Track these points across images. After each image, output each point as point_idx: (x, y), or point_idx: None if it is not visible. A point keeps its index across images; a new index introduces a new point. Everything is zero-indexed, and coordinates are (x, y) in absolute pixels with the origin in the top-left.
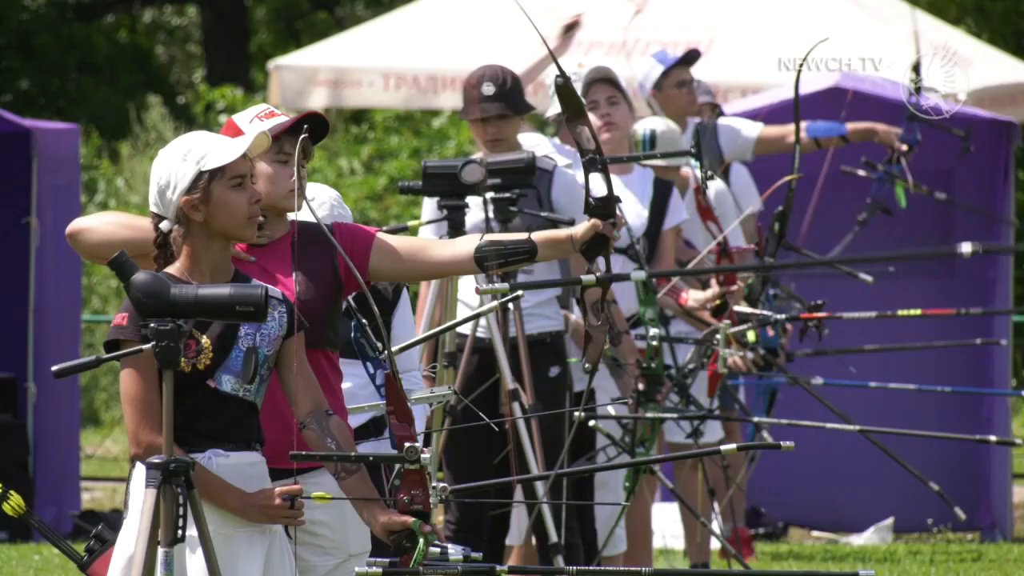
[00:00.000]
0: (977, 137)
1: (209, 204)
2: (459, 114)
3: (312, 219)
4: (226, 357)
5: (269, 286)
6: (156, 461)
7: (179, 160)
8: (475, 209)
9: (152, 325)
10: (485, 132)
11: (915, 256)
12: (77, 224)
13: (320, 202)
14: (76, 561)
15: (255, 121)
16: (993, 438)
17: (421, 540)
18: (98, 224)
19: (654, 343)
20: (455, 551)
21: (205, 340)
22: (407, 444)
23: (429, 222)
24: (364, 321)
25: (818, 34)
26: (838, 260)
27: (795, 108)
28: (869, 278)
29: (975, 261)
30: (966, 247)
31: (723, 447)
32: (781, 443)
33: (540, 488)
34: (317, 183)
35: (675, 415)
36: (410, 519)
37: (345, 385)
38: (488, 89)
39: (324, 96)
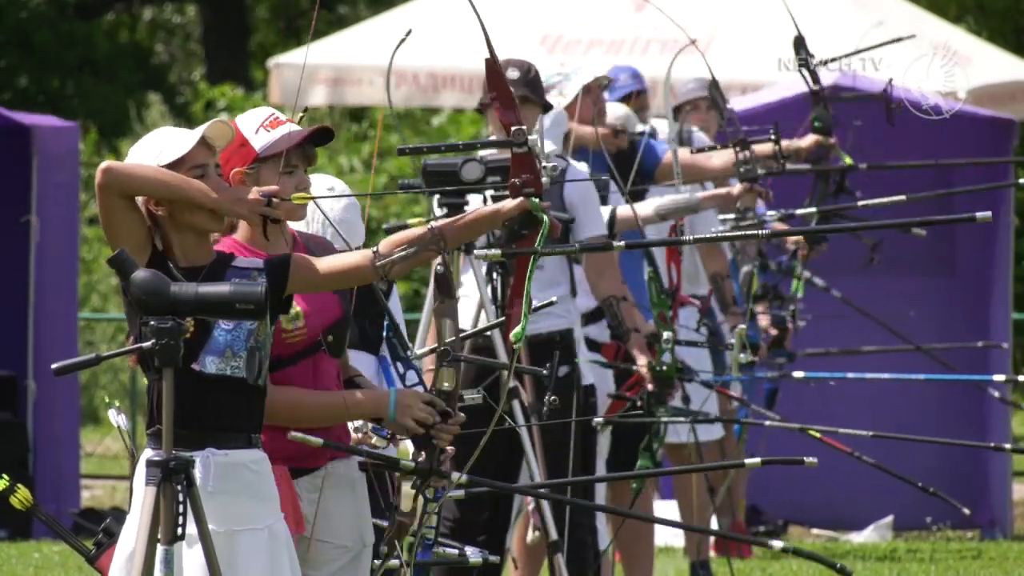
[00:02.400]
0: (977, 135)
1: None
2: (482, 99)
3: (311, 227)
4: (208, 337)
5: (251, 259)
6: (156, 459)
7: (140, 159)
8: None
9: (152, 323)
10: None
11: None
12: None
13: (341, 189)
14: (83, 554)
15: (261, 131)
16: (1008, 446)
17: (544, 217)
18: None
19: (667, 345)
20: (473, 553)
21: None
22: (513, 127)
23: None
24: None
25: (818, 34)
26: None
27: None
28: (922, 232)
29: (975, 260)
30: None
31: (747, 460)
32: (804, 459)
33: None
34: (325, 175)
35: (684, 418)
36: (527, 201)
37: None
38: (513, 74)
39: (324, 94)
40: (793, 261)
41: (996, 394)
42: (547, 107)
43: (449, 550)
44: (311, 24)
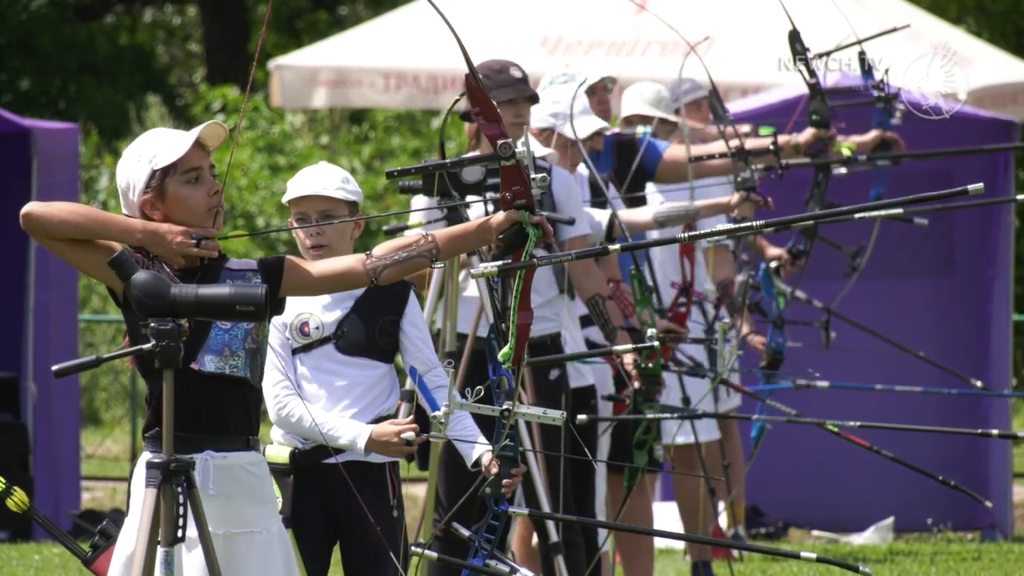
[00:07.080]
0: (978, 136)
1: (165, 201)
2: (467, 107)
3: None
4: (206, 337)
5: (245, 260)
6: (157, 460)
7: (134, 162)
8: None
9: (152, 324)
10: (508, 115)
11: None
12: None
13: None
14: (80, 557)
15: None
16: (995, 432)
17: (531, 231)
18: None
19: (652, 342)
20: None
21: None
22: (500, 141)
23: (431, 221)
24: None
25: (818, 34)
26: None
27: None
28: (924, 221)
29: (976, 260)
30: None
31: (803, 553)
32: (860, 566)
33: (541, 491)
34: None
35: (674, 415)
36: (516, 213)
37: (341, 383)
38: (516, 73)
39: (324, 96)
40: (775, 277)
41: (995, 432)
42: (534, 99)
43: (501, 566)
44: (315, 25)
